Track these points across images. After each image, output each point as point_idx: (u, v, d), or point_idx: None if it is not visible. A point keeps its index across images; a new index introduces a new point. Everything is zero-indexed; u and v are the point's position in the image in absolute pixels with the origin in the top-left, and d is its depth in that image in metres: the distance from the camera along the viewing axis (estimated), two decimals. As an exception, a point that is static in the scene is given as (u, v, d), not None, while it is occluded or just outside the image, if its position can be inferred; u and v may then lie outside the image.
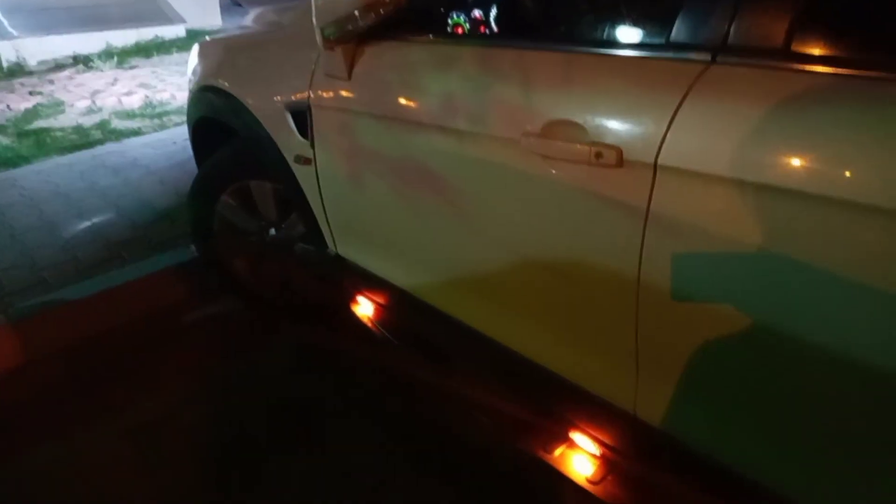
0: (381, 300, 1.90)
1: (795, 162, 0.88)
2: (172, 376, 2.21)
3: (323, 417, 2.00)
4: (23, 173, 4.10)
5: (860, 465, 0.97)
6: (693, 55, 1.01)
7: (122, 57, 8.07)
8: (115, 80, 6.77)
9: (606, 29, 1.38)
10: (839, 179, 0.84)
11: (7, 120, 5.52)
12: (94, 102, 5.79)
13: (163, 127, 5.00)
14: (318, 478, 1.77)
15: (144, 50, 8.46)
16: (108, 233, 3.17)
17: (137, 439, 1.95)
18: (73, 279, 2.76)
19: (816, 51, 0.92)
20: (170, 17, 9.72)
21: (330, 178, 1.80)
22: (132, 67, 7.53)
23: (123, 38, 9.00)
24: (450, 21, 1.73)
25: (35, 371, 2.26)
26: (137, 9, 9.73)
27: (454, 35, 1.71)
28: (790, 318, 0.94)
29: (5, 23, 8.85)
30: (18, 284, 2.73)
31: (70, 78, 7.13)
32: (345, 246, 1.92)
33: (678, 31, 1.04)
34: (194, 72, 2.39)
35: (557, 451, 1.44)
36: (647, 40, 1.24)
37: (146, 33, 9.16)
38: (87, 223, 3.28)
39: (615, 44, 1.15)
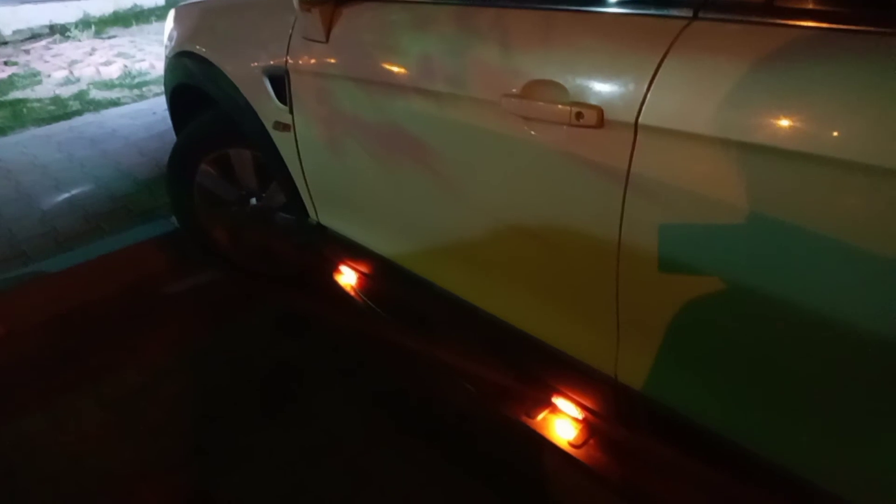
0: (363, 269, 1.88)
1: (779, 120, 0.86)
2: (154, 347, 2.20)
3: (306, 386, 1.99)
4: (-1, 144, 4.03)
5: (841, 426, 0.97)
6: (675, 11, 0.98)
7: (100, 26, 7.91)
8: (93, 49, 6.64)
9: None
10: (825, 137, 0.82)
11: (-18, 91, 5.40)
12: (71, 73, 5.68)
13: (142, 97, 4.92)
14: (302, 445, 1.77)
15: (123, 19, 8.30)
16: (87, 204, 3.12)
17: (119, 409, 1.94)
18: (52, 251, 2.73)
19: (801, 5, 0.90)
20: (148, -15, 9.52)
21: (309, 145, 1.77)
22: (110, 37, 7.38)
23: (101, 7, 8.81)
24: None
25: (15, 343, 2.24)
26: (115, -23, 9.50)
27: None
28: (773, 280, 0.93)
29: (-21, -9, 8.61)
30: (-4, 257, 2.70)
31: (47, 48, 6.99)
32: (326, 214, 1.89)
33: (660, -13, 1.02)
34: (171, 37, 2.33)
35: (540, 416, 1.44)
36: None
37: (124, 2, 8.98)
38: (65, 195, 3.23)
39: (595, 0, 1.12)
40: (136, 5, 9.03)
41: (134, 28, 7.91)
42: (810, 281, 0.90)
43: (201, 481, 1.71)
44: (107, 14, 8.60)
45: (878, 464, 0.95)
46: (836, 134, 0.82)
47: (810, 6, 0.90)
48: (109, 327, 2.29)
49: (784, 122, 0.86)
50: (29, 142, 4.02)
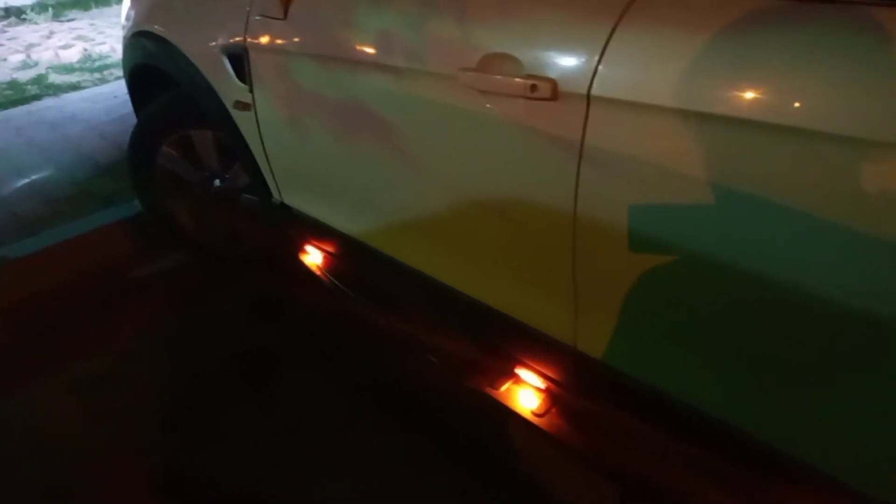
0: (327, 247, 1.89)
1: (727, 89, 0.88)
2: (124, 331, 2.17)
3: (277, 367, 1.99)
4: (-45, 130, 3.92)
5: (801, 391, 0.99)
6: (625, -18, 0.99)
7: (58, 9, 7.70)
8: (52, 33, 6.47)
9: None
10: (775, 105, 0.84)
11: (-64, 76, 5.24)
12: (29, 56, 5.53)
13: (103, 81, 4.82)
14: (278, 426, 1.77)
15: (82, 2, 8.07)
16: (48, 189, 3.07)
17: (89, 393, 1.93)
18: (14, 236, 2.68)
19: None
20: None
21: (270, 124, 1.76)
22: (69, 20, 7.19)
23: (59, -12, 8.55)
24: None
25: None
26: (73, -42, 9.23)
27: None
28: (724, 248, 0.95)
29: (-71, -27, 8.32)
30: (-47, 244, 2.64)
31: (2, 31, 6.78)
32: (289, 194, 1.89)
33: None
34: (128, 17, 2.29)
35: (504, 387, 1.46)
36: None
37: (83, -16, 8.72)
38: (25, 180, 3.17)
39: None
40: (94, -13, 8.80)
41: (94, 11, 7.71)
42: (760, 248, 0.92)
43: (175, 461, 1.71)
44: (65, -4, 8.37)
45: (817, 415, 0.98)
46: (787, 102, 0.83)
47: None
48: (77, 312, 2.26)
49: (732, 91, 0.87)
50: (-14, 127, 3.93)
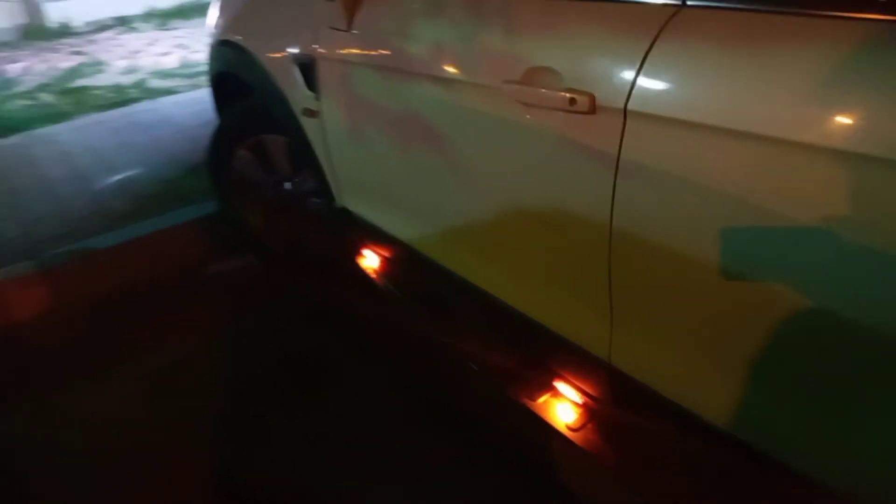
0: (382, 252, 1.94)
1: (761, 107, 0.87)
2: (190, 325, 2.30)
3: (331, 372, 2.05)
4: (61, 129, 4.25)
5: (833, 418, 0.96)
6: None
7: (163, 19, 8.21)
8: (155, 40, 6.90)
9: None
10: (809, 124, 0.83)
11: (51, 78, 5.69)
12: (133, 62, 5.92)
13: (196, 87, 5.10)
14: (325, 428, 1.83)
15: (185, 12, 8.58)
16: (136, 186, 3.28)
17: (153, 381, 2.05)
18: (101, 229, 2.87)
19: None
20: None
21: (334, 130, 1.84)
22: (172, 29, 7.64)
23: (166, 0, 9.13)
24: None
25: (61, 315, 2.37)
26: (180, -29, 9.82)
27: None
28: (765, 265, 0.94)
29: (54, -16, 9.04)
30: (49, 233, 2.86)
31: (112, 39, 7.30)
32: (348, 198, 1.96)
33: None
34: (214, 26, 2.44)
35: (542, 399, 1.46)
36: None
37: (187, -4, 9.27)
38: (117, 177, 3.40)
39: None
40: (198, -1, 9.33)
41: (195, 20, 8.16)
42: (800, 268, 0.90)
43: (224, 454, 1.80)
44: (171, 7, 8.92)
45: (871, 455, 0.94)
46: (821, 121, 0.82)
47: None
48: (151, 304, 2.40)
49: (765, 110, 0.86)
50: (88, 127, 4.23)
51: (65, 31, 8.13)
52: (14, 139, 4.17)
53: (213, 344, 2.22)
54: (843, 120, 0.80)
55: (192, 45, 6.50)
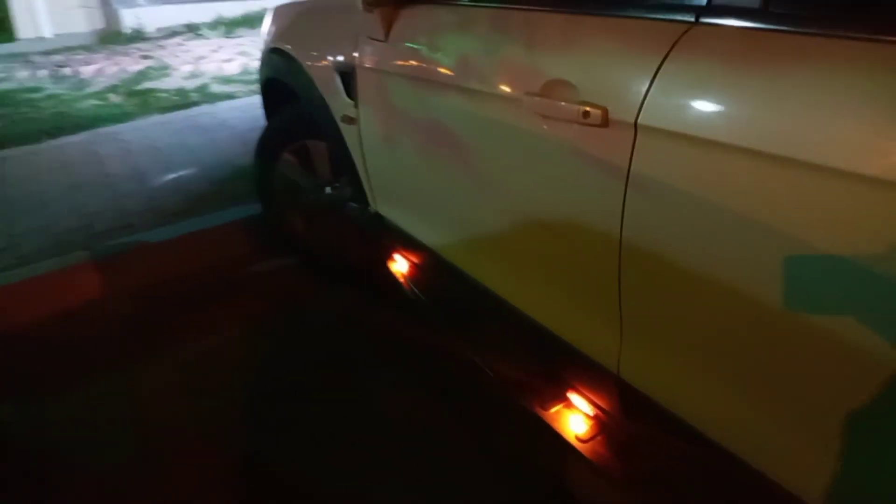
0: (412, 257, 1.98)
1: (769, 124, 0.88)
2: (227, 319, 2.38)
3: (360, 371, 2.11)
4: (125, 128, 4.47)
5: (840, 443, 0.94)
6: (678, 16, 1.01)
7: (230, 27, 8.52)
8: (219, 47, 7.17)
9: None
10: (814, 142, 0.83)
11: (120, 80, 5.97)
12: (197, 67, 6.17)
13: (254, 93, 5.26)
14: (351, 424, 1.88)
15: (250, 21, 8.88)
16: (189, 186, 3.42)
17: (190, 370, 2.13)
18: (154, 224, 3.02)
19: (796, 11, 0.91)
20: (277, -10, 10.13)
21: (369, 137, 1.90)
22: (237, 37, 7.92)
23: (233, 9, 9.48)
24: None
25: (110, 303, 2.50)
26: (248, -18, 10.20)
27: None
28: (766, 281, 0.94)
29: (132, -9, 9.51)
30: (106, 225, 3.02)
31: (179, 45, 7.61)
32: (381, 204, 2.01)
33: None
34: (267, 34, 2.54)
35: (553, 409, 1.48)
36: (639, 2, 1.22)
37: (254, 5, 9.58)
38: (172, 175, 3.56)
39: (609, 5, 1.16)
40: (264, 8, 9.63)
41: (259, 29, 8.47)
42: (810, 282, 0.89)
43: (250, 444, 1.86)
44: (237, 16, 9.25)
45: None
46: (825, 141, 0.82)
47: (805, 13, 0.91)
48: (192, 296, 2.50)
49: (773, 126, 0.87)
50: (150, 127, 4.43)
51: (137, 37, 8.52)
52: (82, 136, 4.40)
53: (247, 339, 2.30)
54: (850, 139, 0.80)
55: (254, 52, 6.73)
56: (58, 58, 7.54)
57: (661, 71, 1.00)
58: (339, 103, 1.99)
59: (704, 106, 0.95)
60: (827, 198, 0.83)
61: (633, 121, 1.03)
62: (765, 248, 0.92)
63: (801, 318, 0.91)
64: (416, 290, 2.00)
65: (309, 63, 2.13)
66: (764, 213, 0.90)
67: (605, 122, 1.08)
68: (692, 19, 1.00)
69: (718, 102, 0.93)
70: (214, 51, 6.97)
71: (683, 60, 0.98)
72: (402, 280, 2.06)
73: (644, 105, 1.02)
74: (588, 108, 1.10)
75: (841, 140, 0.81)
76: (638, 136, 1.04)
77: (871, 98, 0.80)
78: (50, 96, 5.60)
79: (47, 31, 9.22)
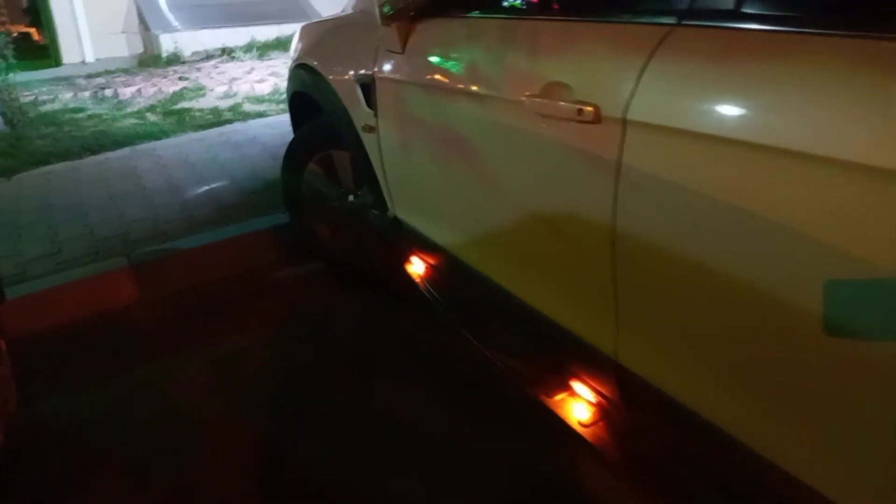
0: (427, 257, 2.07)
1: (748, 115, 0.95)
2: (255, 321, 2.50)
3: (382, 370, 2.19)
4: (162, 145, 4.67)
5: (836, 429, 0.97)
6: (663, 19, 1.10)
7: (263, 49, 8.79)
8: (252, 69, 7.41)
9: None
10: (788, 131, 0.90)
11: (158, 101, 6.22)
12: (230, 88, 6.39)
13: (284, 111, 5.45)
14: (373, 423, 1.95)
15: (283, 44, 9.15)
16: (221, 197, 3.58)
17: (219, 367, 2.25)
18: (186, 233, 3.16)
19: (768, 11, 0.99)
20: (309, 15, 10.42)
21: (387, 144, 2.00)
22: (269, 59, 8.18)
23: (266, 33, 9.78)
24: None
25: (145, 305, 2.64)
26: (282, 7, 10.55)
27: (490, 10, 1.82)
28: (752, 265, 0.99)
29: (170, 17, 9.90)
30: (143, 233, 3.17)
31: (214, 67, 7.88)
32: (399, 207, 2.11)
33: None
34: (295, 51, 2.68)
35: (557, 396, 1.54)
36: (628, 7, 1.28)
37: (287, 29, 9.88)
38: (205, 188, 3.72)
39: (601, 12, 1.25)
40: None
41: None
42: (795, 270, 0.95)
43: (273, 440, 1.94)
44: (270, 39, 9.55)
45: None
46: (796, 128, 0.89)
47: (777, 13, 0.99)
48: (223, 299, 2.63)
49: (749, 117, 0.95)
50: (185, 144, 4.62)
51: (174, 60, 8.85)
52: (121, 152, 4.61)
53: (275, 339, 2.41)
54: (824, 126, 0.86)
55: (285, 73, 6.93)
56: (99, 80, 7.88)
57: (647, 69, 1.08)
58: (360, 113, 2.10)
59: (687, 100, 1.03)
60: (805, 182, 0.89)
61: (622, 116, 1.12)
62: (748, 232, 0.98)
63: (788, 301, 0.96)
64: (430, 288, 2.08)
65: (332, 76, 2.26)
66: (740, 198, 0.97)
67: (598, 118, 1.17)
68: (675, 21, 1.08)
69: (699, 96, 1.01)
70: (248, 72, 7.21)
71: (667, 59, 1.07)
72: (418, 280, 2.15)
73: (632, 101, 1.10)
74: (581, 107, 1.18)
75: (815, 126, 0.87)
76: (627, 131, 1.12)
77: (838, 88, 0.87)
78: (91, 116, 5.87)
79: (90, 56, 9.64)
